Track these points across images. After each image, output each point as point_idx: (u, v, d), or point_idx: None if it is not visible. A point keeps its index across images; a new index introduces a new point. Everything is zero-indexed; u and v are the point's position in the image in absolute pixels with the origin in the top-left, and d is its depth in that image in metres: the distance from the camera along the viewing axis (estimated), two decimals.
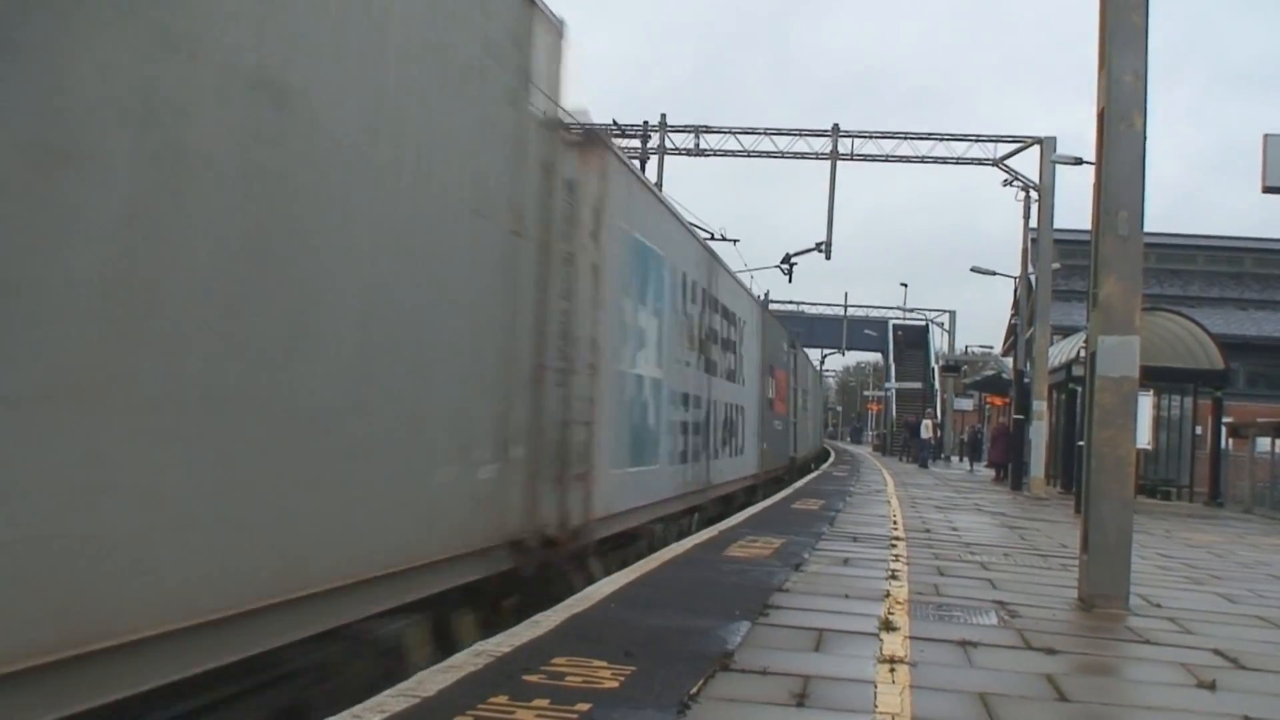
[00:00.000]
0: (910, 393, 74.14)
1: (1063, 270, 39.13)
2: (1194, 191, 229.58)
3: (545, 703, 4.69)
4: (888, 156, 33.74)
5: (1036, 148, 30.17)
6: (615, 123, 31.32)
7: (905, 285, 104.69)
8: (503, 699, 4.72)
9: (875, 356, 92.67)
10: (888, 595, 8.43)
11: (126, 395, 3.81)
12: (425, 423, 6.05)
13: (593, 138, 8.88)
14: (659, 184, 25.89)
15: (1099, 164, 9.11)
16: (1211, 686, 5.92)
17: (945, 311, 68.74)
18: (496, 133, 6.97)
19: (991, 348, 64.33)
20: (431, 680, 4.99)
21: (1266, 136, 20.92)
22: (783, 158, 34.40)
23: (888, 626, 7.02)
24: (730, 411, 18.10)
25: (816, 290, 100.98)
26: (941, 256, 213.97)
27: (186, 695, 4.28)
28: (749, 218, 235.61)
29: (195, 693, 4.35)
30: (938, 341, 73.98)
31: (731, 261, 24.34)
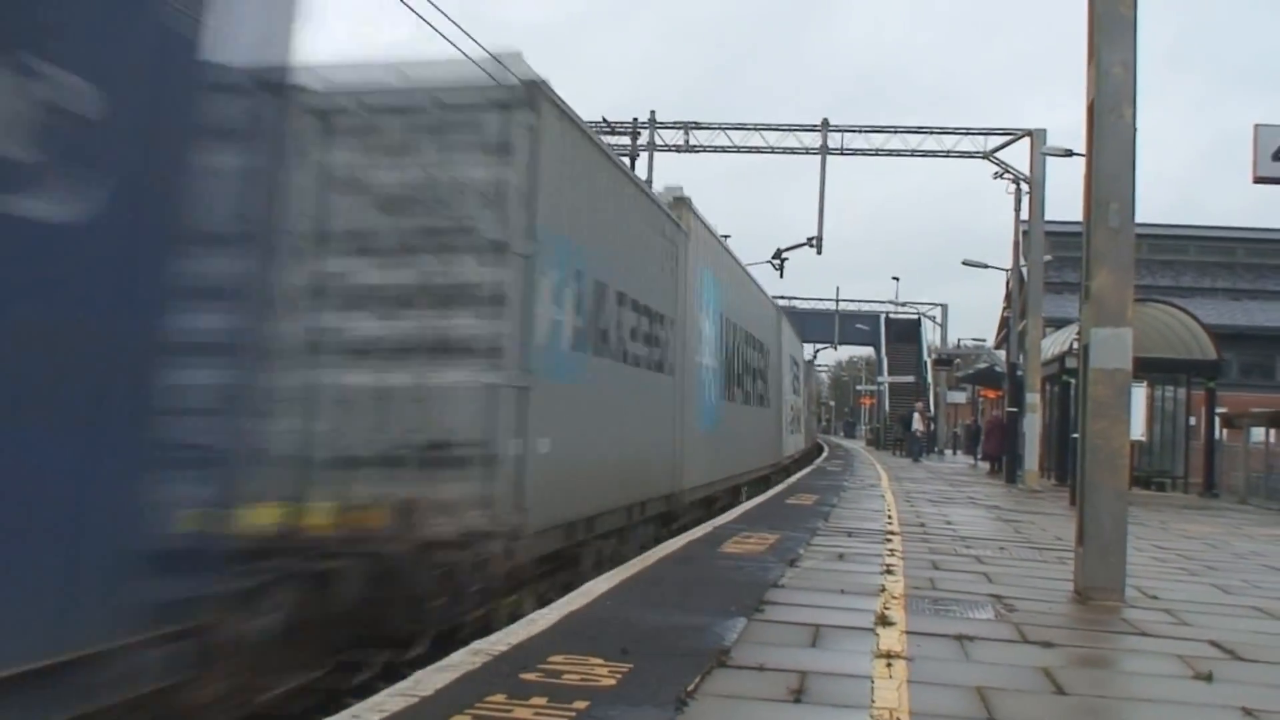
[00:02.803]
0: (903, 387, 74.20)
1: (1054, 262, 39.16)
2: (1197, 188, 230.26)
3: (543, 701, 4.69)
4: (877, 150, 33.73)
5: (1027, 140, 30.16)
6: (605, 120, 31.29)
7: (897, 279, 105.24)
8: (500, 698, 4.72)
9: (868, 351, 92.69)
10: (883, 590, 8.43)
11: None
12: None
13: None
14: (649, 182, 25.71)
15: (1089, 156, 9.11)
16: (1208, 678, 5.93)
17: (937, 305, 68.89)
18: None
19: (984, 340, 64.28)
20: (430, 679, 4.99)
21: (1257, 127, 20.89)
22: (772, 153, 34.36)
23: (884, 621, 7.03)
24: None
25: (809, 285, 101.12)
26: (936, 251, 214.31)
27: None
28: (742, 214, 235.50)
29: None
30: (930, 335, 74.05)
31: None
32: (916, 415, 46.71)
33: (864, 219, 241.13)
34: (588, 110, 8.98)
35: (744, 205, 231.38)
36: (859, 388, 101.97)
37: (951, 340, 67.82)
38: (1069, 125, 51.07)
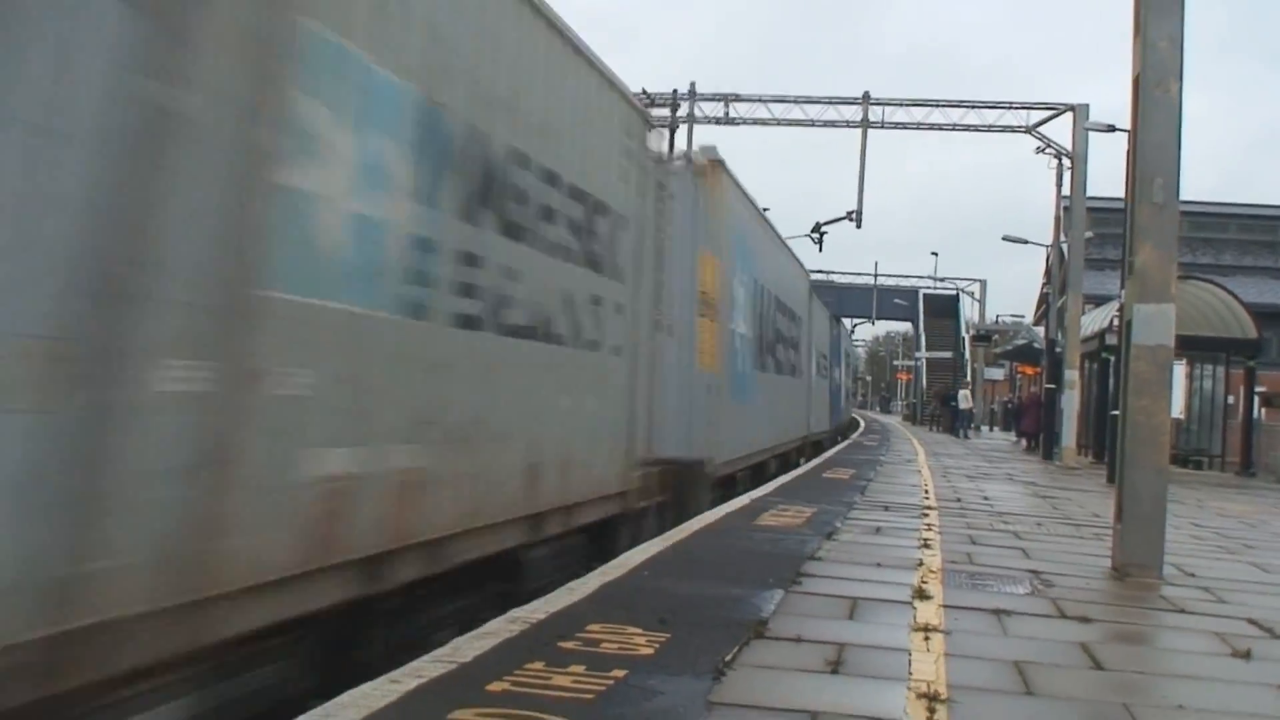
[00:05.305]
0: (940, 362, 73.76)
1: (1095, 239, 38.81)
2: (1241, 172, 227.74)
3: (581, 669, 4.72)
4: (919, 124, 33.47)
5: (1070, 115, 29.88)
6: (645, 91, 31.18)
7: (936, 254, 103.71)
8: (539, 665, 4.75)
9: (905, 326, 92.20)
10: (920, 564, 8.43)
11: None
12: None
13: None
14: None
15: (1134, 131, 9.03)
16: (1246, 655, 5.91)
17: (976, 281, 68.32)
18: None
19: (1023, 317, 63.88)
20: (468, 647, 5.03)
21: None
22: (813, 126, 34.16)
23: (921, 595, 7.03)
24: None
25: (849, 260, 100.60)
26: (976, 227, 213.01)
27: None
28: (782, 188, 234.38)
29: None
30: (969, 311, 73.55)
31: None
32: (964, 394, 46.70)
33: (904, 194, 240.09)
34: (631, 82, 9.21)
35: (784, 179, 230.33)
36: (896, 363, 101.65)
37: (990, 316, 67.36)
38: (1115, 105, 50.40)
